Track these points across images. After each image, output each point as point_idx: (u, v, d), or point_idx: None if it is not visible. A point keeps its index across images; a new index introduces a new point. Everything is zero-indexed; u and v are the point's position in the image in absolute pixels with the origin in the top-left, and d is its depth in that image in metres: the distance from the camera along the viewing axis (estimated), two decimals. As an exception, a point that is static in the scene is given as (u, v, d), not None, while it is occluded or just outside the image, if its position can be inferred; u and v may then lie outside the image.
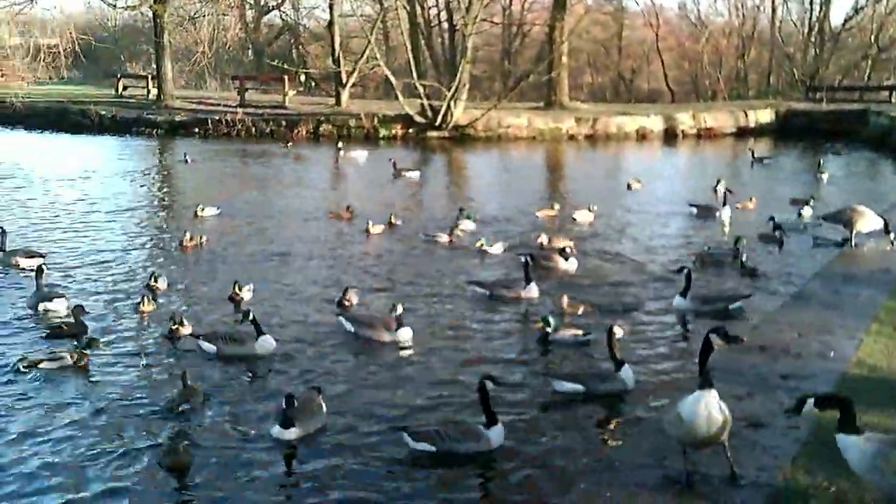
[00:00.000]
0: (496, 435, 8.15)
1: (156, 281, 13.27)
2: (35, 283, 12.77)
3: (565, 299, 12.55)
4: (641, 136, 38.93)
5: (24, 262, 14.74)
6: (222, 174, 28.00)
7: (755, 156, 30.82)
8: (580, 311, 12.42)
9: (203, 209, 19.50)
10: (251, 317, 10.66)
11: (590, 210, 19.94)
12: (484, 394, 8.22)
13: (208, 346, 10.57)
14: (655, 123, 40.17)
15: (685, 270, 12.59)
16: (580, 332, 11.26)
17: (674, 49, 63.07)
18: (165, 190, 25.26)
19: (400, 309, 11.30)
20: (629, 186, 24.28)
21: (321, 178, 27.49)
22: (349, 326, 11.34)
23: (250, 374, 10.14)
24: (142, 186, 25.08)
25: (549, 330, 11.20)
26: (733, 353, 9.66)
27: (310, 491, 7.55)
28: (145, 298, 12.29)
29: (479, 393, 8.24)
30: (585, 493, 6.58)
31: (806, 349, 9.32)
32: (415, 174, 26.54)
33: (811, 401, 5.93)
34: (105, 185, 24.61)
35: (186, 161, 29.30)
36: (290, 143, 32.18)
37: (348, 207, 19.84)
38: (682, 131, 40.32)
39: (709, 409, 6.08)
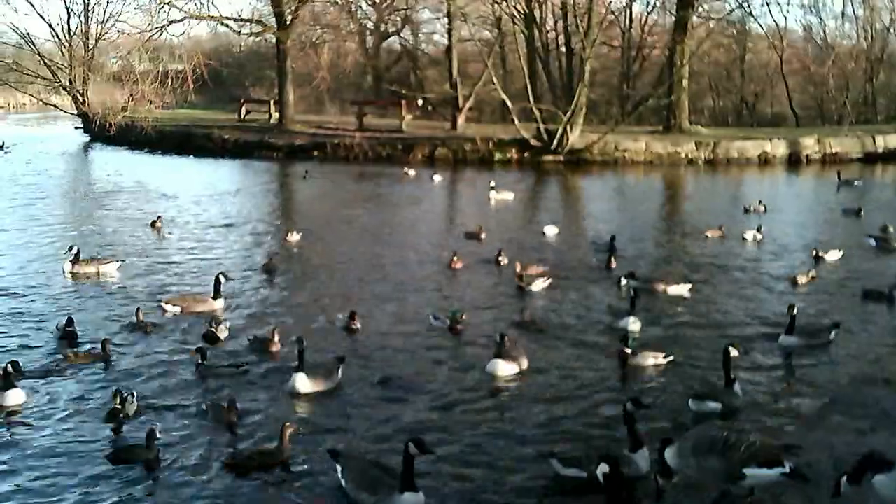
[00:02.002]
0: (642, 459, 7.88)
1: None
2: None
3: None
4: (764, 161, 37.85)
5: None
6: (339, 193, 28.61)
7: (841, 178, 30.20)
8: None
9: (291, 233, 19.64)
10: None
11: (758, 232, 19.83)
12: (629, 418, 8.09)
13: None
14: (779, 148, 39.04)
15: (792, 308, 11.80)
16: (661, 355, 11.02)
17: (798, 72, 61.41)
18: (273, 209, 25.92)
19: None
20: (746, 210, 23.89)
21: (426, 198, 27.73)
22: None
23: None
24: (250, 206, 25.71)
25: (627, 351, 11.02)
26: (855, 385, 9.34)
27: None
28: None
29: (625, 418, 8.12)
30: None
31: None
32: (509, 195, 26.40)
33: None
34: (213, 204, 25.50)
35: (305, 176, 31.13)
36: (408, 170, 32.24)
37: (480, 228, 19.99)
38: (807, 156, 39.10)
39: None
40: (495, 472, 8.02)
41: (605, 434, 8.85)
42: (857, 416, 8.11)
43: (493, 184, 26.96)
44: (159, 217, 21.18)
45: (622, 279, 14.57)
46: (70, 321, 11.94)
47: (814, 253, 17.10)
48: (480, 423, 9.15)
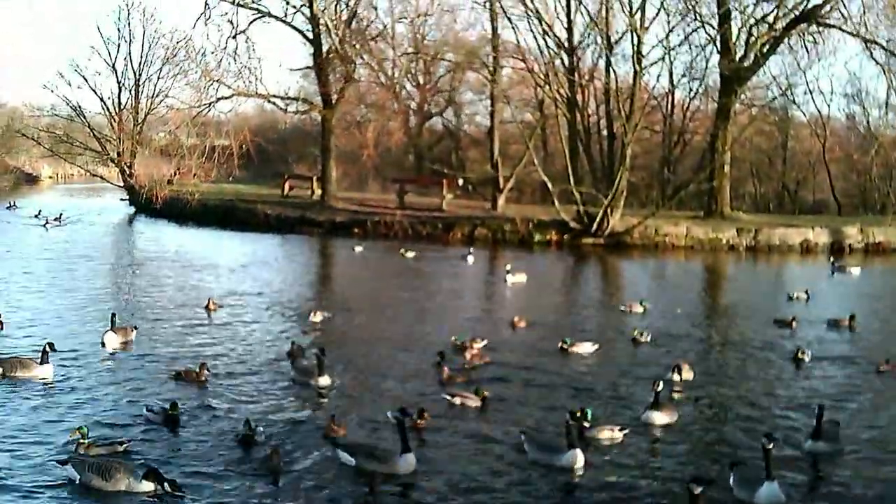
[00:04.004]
0: None
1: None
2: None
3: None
4: (806, 249, 37.53)
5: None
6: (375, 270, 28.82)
7: (835, 265, 30.76)
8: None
9: (316, 313, 19.67)
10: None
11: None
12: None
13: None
14: (821, 236, 38.73)
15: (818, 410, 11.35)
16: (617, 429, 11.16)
17: (841, 160, 61.22)
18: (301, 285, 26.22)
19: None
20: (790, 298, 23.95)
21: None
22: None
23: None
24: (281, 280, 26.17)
25: (586, 424, 11.15)
26: None
27: None
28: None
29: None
30: None
31: None
32: (521, 278, 26.24)
33: None
34: (249, 277, 26.03)
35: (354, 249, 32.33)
36: (407, 252, 31.99)
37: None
38: (850, 245, 38.71)
39: None
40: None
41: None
42: None
43: (508, 267, 26.88)
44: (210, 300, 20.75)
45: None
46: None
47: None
48: None
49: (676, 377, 14.19)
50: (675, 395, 13.66)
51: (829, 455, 10.82)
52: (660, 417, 11.90)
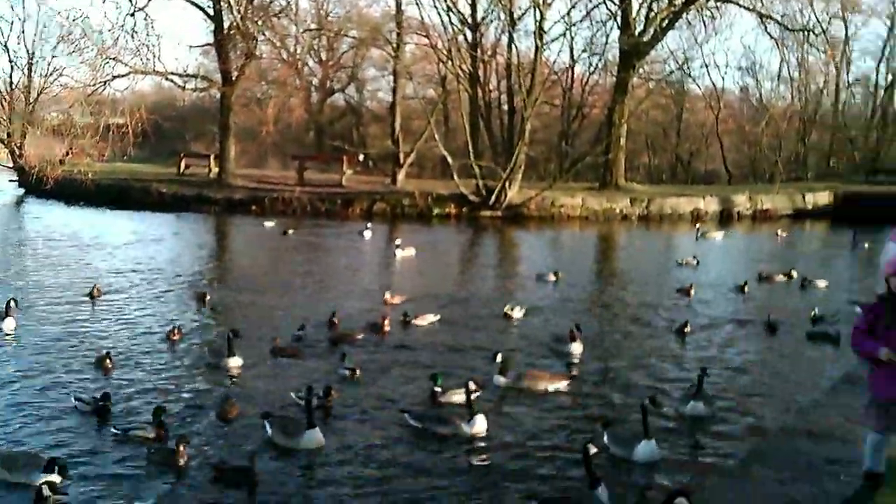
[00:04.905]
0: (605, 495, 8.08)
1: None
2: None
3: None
4: (696, 218, 38.64)
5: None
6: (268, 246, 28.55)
7: (699, 231, 32.29)
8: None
9: (206, 292, 18.89)
10: None
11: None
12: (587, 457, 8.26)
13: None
14: (711, 205, 40.01)
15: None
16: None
17: (733, 132, 62.97)
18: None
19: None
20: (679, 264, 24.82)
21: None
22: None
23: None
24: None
25: (437, 389, 11.28)
26: (780, 437, 9.54)
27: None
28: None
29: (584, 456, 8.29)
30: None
31: (853, 433, 8.84)
32: (410, 252, 26.21)
33: None
34: (139, 256, 25.25)
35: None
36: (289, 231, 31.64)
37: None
38: (738, 213, 40.06)
39: None
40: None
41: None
42: (778, 468, 8.16)
43: (398, 241, 26.94)
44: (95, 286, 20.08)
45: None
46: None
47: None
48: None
49: (574, 347, 14.28)
50: (570, 363, 13.86)
51: (708, 416, 11.11)
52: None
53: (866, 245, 29.69)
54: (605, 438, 9.69)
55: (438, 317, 16.68)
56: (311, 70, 63.37)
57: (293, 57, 58.02)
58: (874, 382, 6.80)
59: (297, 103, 62.79)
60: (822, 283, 21.46)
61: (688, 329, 15.79)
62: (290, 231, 30.81)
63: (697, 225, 34.27)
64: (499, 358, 12.54)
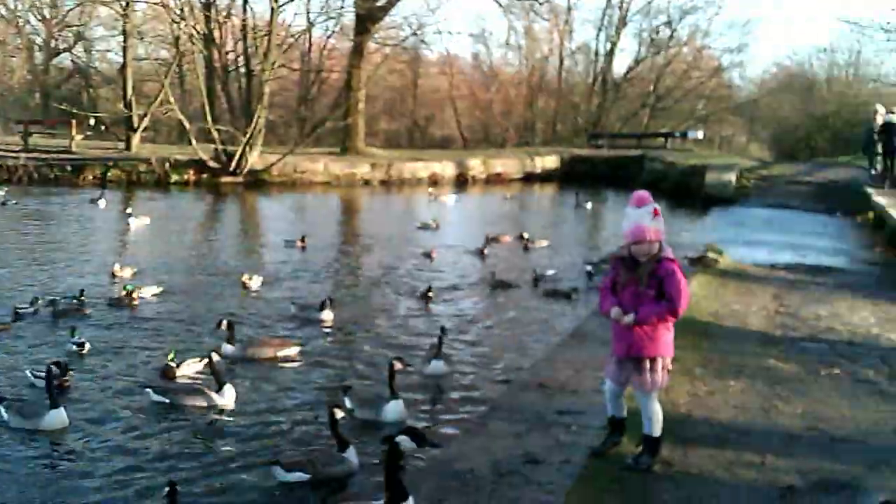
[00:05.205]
0: (353, 456, 8.37)
1: None
2: None
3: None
4: (434, 182, 39.87)
5: None
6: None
7: (432, 196, 33.70)
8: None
9: None
10: None
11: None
12: (334, 421, 8.43)
13: None
14: (447, 169, 41.36)
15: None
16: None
17: (467, 97, 65.02)
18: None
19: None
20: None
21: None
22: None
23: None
24: None
25: (171, 364, 11.27)
26: (515, 392, 10.17)
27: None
28: None
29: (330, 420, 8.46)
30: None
31: (581, 385, 9.65)
32: (144, 221, 25.27)
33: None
34: None
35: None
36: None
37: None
38: (473, 177, 41.70)
39: None
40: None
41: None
42: (512, 420, 8.57)
43: (129, 210, 26.08)
44: None
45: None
46: None
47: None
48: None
49: (325, 314, 14.40)
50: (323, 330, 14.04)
51: (448, 375, 11.68)
52: None
53: (588, 205, 32.04)
54: (350, 402, 9.95)
55: (161, 289, 16.11)
56: (33, 28, 59.57)
57: (13, 13, 54.30)
58: (612, 338, 7.21)
59: (20, 64, 58.87)
60: (543, 243, 22.86)
61: (431, 293, 16.29)
62: (13, 200, 28.86)
63: (429, 189, 35.35)
64: (223, 325, 12.46)
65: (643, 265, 6.91)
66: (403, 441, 5.98)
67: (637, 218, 6.85)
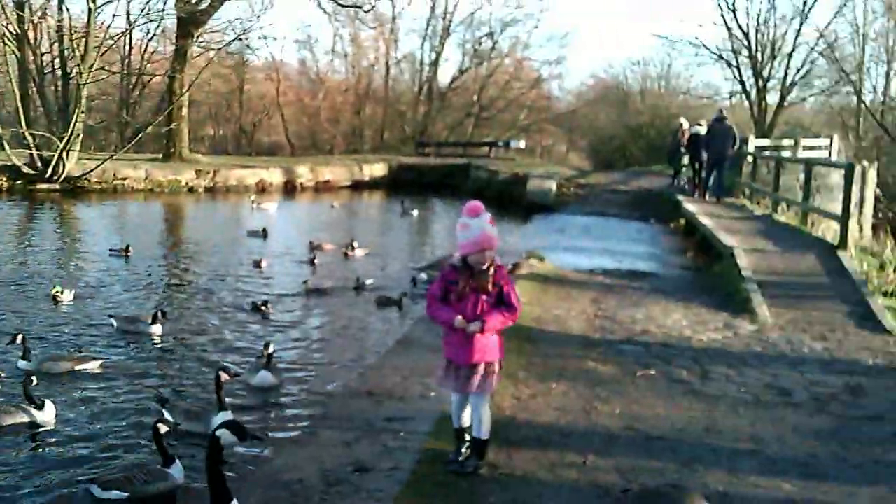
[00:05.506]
0: (178, 472, 8.23)
1: None
2: None
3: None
4: (262, 189, 39.52)
5: None
6: None
7: (254, 203, 33.44)
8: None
9: None
10: None
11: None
12: (158, 436, 8.31)
13: None
14: (275, 176, 41.05)
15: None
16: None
17: (294, 103, 64.61)
18: None
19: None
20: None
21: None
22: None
23: None
24: None
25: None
26: (342, 400, 10.27)
27: None
28: None
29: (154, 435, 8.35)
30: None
31: (409, 392, 9.84)
32: None
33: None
34: None
35: None
36: None
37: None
38: (301, 184, 41.55)
39: None
40: None
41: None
42: (341, 429, 8.67)
43: None
44: None
45: None
46: None
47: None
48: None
49: (154, 328, 14.06)
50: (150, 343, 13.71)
51: (276, 386, 11.60)
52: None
53: (414, 212, 32.55)
54: (174, 415, 9.77)
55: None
56: None
57: None
58: (446, 346, 7.25)
59: None
60: (362, 252, 22.96)
61: (261, 303, 16.10)
62: None
63: (251, 197, 35.03)
64: (18, 340, 12.08)
65: (485, 273, 7.06)
66: (224, 435, 5.99)
67: (481, 226, 6.97)
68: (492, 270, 7.08)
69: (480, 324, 6.98)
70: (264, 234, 25.40)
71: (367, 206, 39.76)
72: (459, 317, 7.00)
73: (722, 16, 55.45)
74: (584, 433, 8.49)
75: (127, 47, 53.97)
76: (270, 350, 11.85)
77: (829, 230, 22.19)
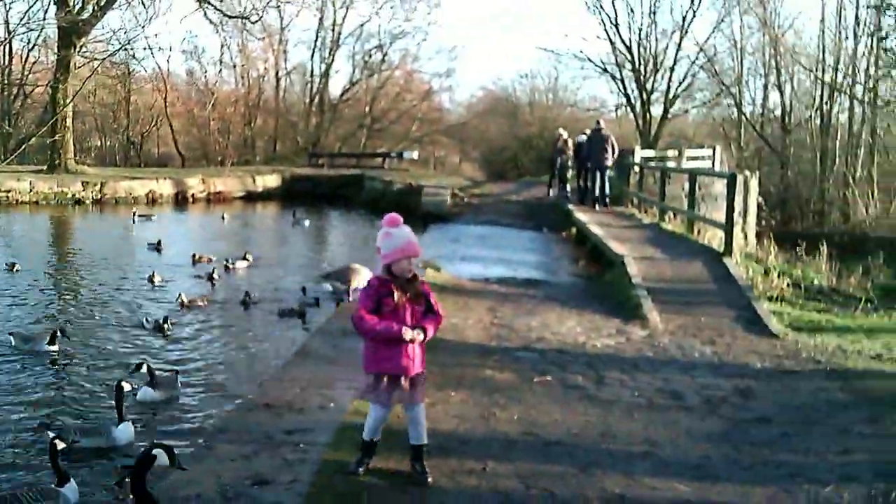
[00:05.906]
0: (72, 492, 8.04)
1: None
2: None
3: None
4: (152, 201, 38.81)
5: None
6: None
7: (136, 215, 32.98)
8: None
9: None
10: None
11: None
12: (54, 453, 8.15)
13: None
14: (165, 188, 40.35)
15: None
16: None
17: (183, 114, 63.60)
18: None
19: None
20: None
21: None
22: None
23: None
24: None
25: None
26: (241, 412, 10.17)
27: None
28: None
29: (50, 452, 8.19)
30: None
31: (308, 403, 9.71)
32: None
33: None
34: None
35: None
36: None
37: None
38: (193, 195, 40.93)
39: None
40: None
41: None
42: (240, 442, 8.45)
43: None
44: None
45: None
46: None
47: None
48: None
49: (53, 347, 13.74)
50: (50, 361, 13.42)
51: (166, 401, 11.58)
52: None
53: (306, 223, 32.51)
54: (69, 433, 9.45)
55: None
56: None
57: None
58: (377, 360, 7.14)
59: None
60: (244, 264, 22.84)
61: (163, 320, 15.84)
62: None
63: (134, 209, 34.36)
64: None
65: (414, 283, 7.10)
66: (160, 455, 5.97)
67: (406, 235, 7.00)
68: (417, 280, 7.14)
69: (423, 333, 7.02)
70: (158, 246, 25.03)
71: (261, 217, 39.38)
72: (407, 328, 6.93)
73: (605, 31, 56.60)
74: (483, 440, 8.56)
75: (7, 57, 52.41)
76: (143, 370, 11.71)
77: (714, 238, 22.80)
